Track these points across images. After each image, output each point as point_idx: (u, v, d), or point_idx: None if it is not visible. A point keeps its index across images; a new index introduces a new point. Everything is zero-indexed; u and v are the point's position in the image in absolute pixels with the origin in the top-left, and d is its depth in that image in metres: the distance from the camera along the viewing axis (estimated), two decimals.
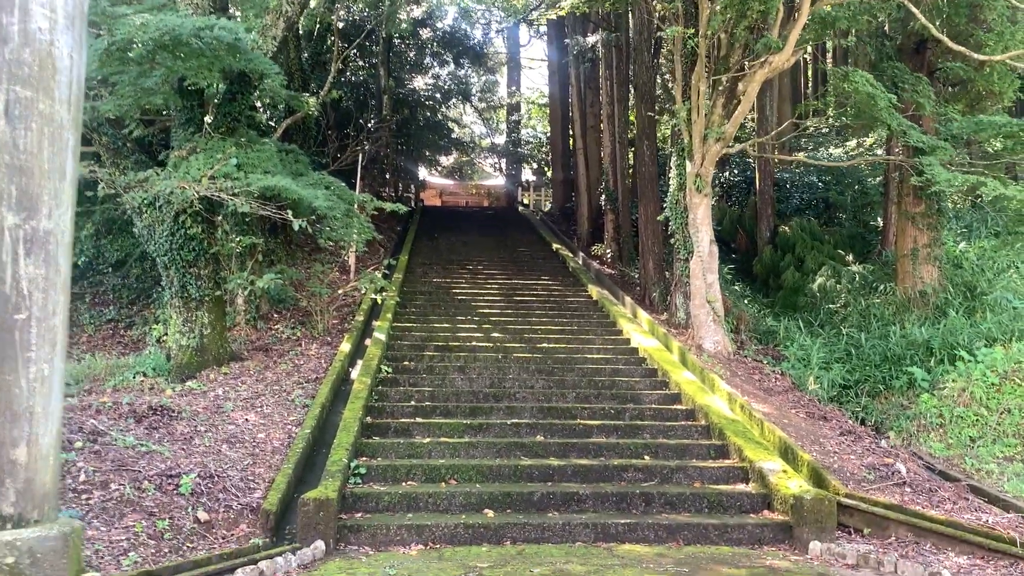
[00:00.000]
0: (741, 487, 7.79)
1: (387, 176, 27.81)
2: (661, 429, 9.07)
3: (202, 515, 6.54)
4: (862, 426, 10.22)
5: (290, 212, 9.26)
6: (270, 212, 9.11)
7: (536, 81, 45.07)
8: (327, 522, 6.50)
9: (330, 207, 10.52)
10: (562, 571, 5.95)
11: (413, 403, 9.70)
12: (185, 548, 6.11)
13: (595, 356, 11.82)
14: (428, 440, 8.50)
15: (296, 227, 8.93)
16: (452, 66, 33.45)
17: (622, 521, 6.93)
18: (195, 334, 10.86)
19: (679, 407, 9.83)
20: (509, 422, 9.04)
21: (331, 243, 13.75)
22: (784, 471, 7.62)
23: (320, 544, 6.37)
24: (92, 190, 9.55)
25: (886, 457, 8.54)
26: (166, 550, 6.00)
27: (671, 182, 13.77)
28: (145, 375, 10.45)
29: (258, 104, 13.53)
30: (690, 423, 9.33)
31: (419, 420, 9.12)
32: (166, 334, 11.02)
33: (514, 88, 39.48)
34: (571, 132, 28.09)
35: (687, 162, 12.56)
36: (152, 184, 8.70)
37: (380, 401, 9.75)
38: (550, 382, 10.61)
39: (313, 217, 10.75)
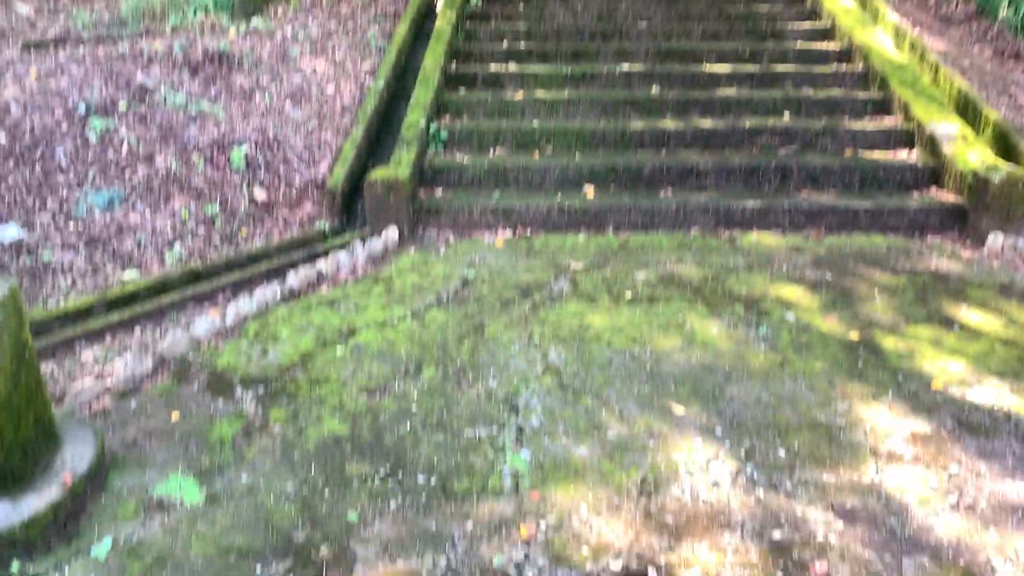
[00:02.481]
0: (904, 156, 6.31)
1: None
2: (807, 77, 7.37)
3: (259, 194, 5.73)
4: None
5: None
6: None
7: None
8: (399, 206, 5.59)
9: None
10: (671, 275, 4.95)
11: (506, 44, 8.21)
12: (239, 237, 5.39)
13: None
14: (521, 94, 7.18)
15: None
16: None
17: (750, 203, 5.73)
18: None
19: (831, 46, 7.96)
20: (618, 70, 7.52)
21: None
22: (963, 136, 6.05)
23: (392, 232, 5.54)
24: None
25: None
26: (217, 239, 5.29)
27: None
28: (207, 11, 9.21)
29: None
30: (844, 67, 7.55)
31: (512, 67, 7.71)
32: None
33: None
34: None
35: None
36: None
37: (467, 42, 8.31)
38: (671, 14, 8.77)
39: None
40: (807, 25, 8.38)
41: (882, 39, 7.67)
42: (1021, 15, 8.65)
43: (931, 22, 8.47)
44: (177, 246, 5.11)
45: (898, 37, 7.62)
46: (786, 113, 6.87)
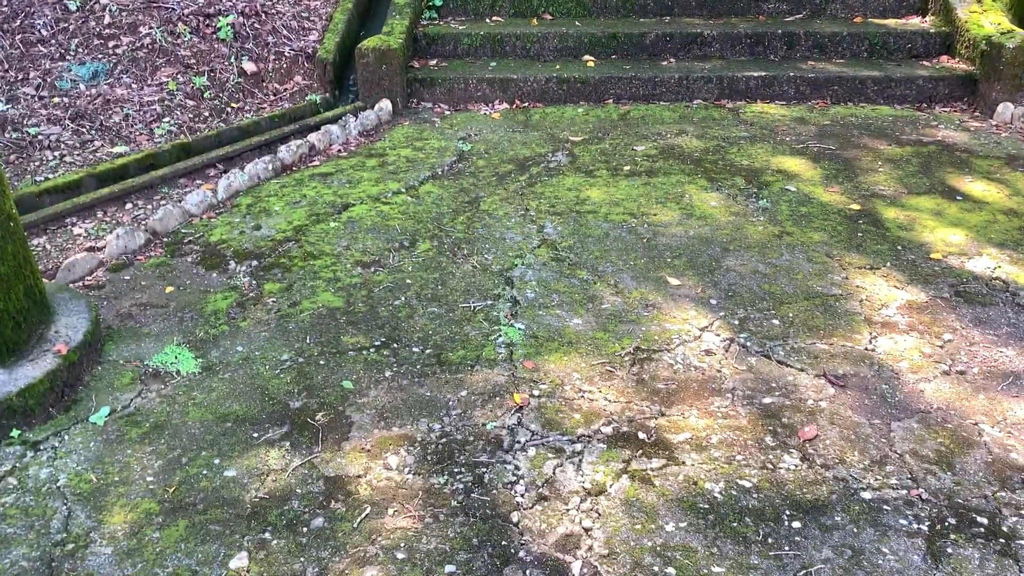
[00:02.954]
0: (916, 22, 6.07)
1: None
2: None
3: (248, 66, 5.55)
4: None
5: None
6: None
7: None
8: (392, 77, 5.42)
9: None
10: (672, 148, 4.84)
11: None
12: (229, 109, 5.25)
13: None
14: None
15: None
16: None
17: (755, 73, 5.55)
18: None
19: None
20: None
21: None
22: (978, 1, 5.79)
23: (386, 104, 5.39)
24: None
25: None
26: (206, 113, 5.16)
27: None
28: None
29: None
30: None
31: None
32: None
33: None
34: None
35: None
36: None
37: None
38: None
39: None
40: None
41: None
42: None
43: None
44: (166, 120, 4.99)
45: None
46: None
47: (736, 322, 3.20)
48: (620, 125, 5.17)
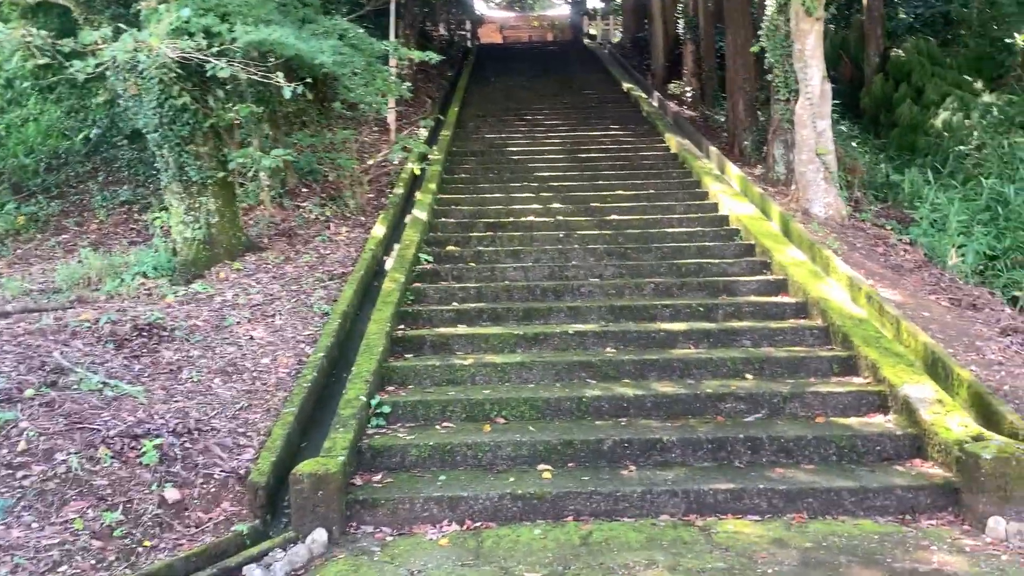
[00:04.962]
0: (879, 421, 5.90)
1: (433, 14, 24.91)
2: (765, 333, 7.12)
3: (171, 494, 5.04)
4: (1021, 313, 8.08)
5: (283, 73, 7.21)
6: (256, 75, 7.09)
7: None
8: (329, 503, 4.93)
9: (341, 62, 8.46)
10: None
11: (455, 305, 7.97)
12: (141, 549, 4.64)
13: (677, 230, 9.76)
14: (471, 359, 6.79)
15: (287, 93, 6.94)
16: None
17: (722, 485, 5.17)
18: (200, 224, 9.19)
19: (787, 299, 7.83)
20: (572, 329, 7.23)
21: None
22: (939, 401, 5.68)
23: (320, 535, 4.84)
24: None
25: None
26: (112, 556, 4.53)
27: (768, 4, 11.08)
28: (146, 276, 8.92)
29: None
30: (802, 322, 7.36)
31: (461, 329, 7.40)
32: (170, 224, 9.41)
33: None
34: None
35: None
36: (100, 50, 6.74)
37: (415, 303, 8.05)
38: (622, 268, 8.69)
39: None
40: (761, 278, 8.30)
41: (838, 292, 7.54)
42: (970, 262, 8.71)
43: (882, 271, 8.46)
44: (62, 569, 4.34)
45: (853, 289, 7.50)
46: (748, 375, 6.51)
47: None
48: (583, 555, 4.63)
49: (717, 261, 8.75)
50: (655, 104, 16.77)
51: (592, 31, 34.08)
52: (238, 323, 7.54)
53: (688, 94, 17.64)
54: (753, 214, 9.74)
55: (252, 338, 7.25)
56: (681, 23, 18.19)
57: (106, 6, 9.17)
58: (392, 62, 13.90)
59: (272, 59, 8.33)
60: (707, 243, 9.31)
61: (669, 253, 9.01)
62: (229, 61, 7.10)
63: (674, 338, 7.11)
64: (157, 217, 9.62)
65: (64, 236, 11.30)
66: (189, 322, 7.50)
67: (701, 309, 7.59)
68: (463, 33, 29.82)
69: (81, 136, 13.74)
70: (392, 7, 15.31)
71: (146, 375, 6.44)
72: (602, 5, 36.10)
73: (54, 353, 6.56)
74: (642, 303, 7.75)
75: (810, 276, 7.87)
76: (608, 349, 7.01)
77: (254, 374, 6.58)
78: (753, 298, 7.91)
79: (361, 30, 9.53)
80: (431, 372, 6.65)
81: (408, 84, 10.80)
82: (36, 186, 12.72)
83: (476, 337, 7.18)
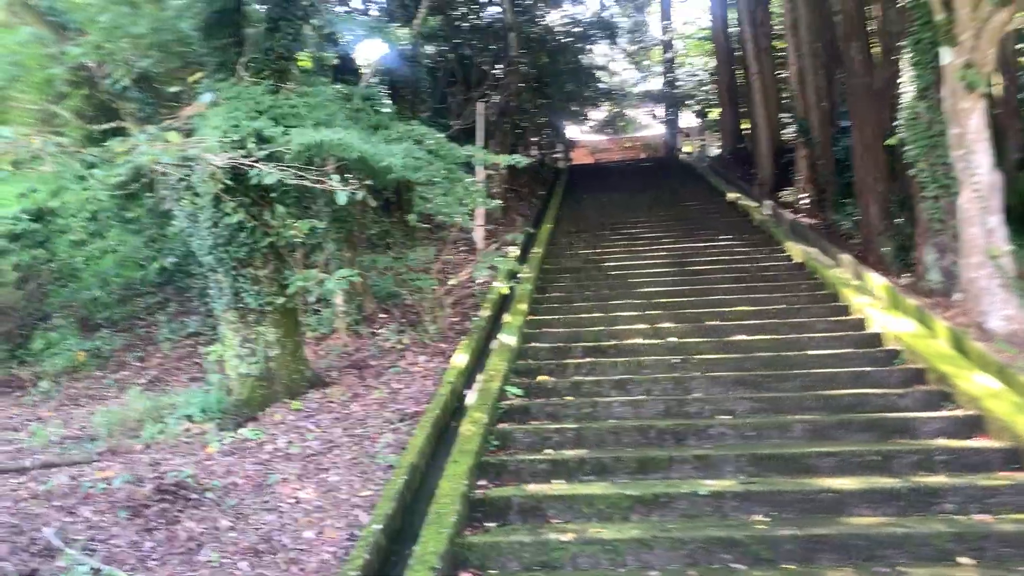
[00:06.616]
0: None
1: (524, 135, 24.34)
2: (973, 494, 5.22)
3: None
4: None
5: (343, 180, 6.06)
6: (307, 180, 5.93)
7: (690, 14, 39.98)
8: None
9: (414, 166, 7.31)
10: None
11: (549, 452, 6.35)
12: None
13: (819, 352, 7.96)
14: (571, 534, 5.12)
15: (342, 200, 5.74)
16: None
17: None
18: (257, 357, 8.00)
19: (989, 443, 5.90)
20: (703, 488, 5.49)
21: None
22: None
23: None
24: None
25: None
26: None
27: (906, 89, 9.56)
28: (191, 419, 7.70)
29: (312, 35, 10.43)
30: (1021, 477, 5.42)
31: (558, 487, 5.77)
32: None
33: (667, 23, 34.69)
34: (740, 60, 23.51)
35: (945, 51, 8.31)
36: (136, 154, 5.74)
37: (500, 451, 6.48)
38: (758, 402, 6.93)
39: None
40: (945, 414, 6.40)
41: None
42: None
43: None
44: None
45: None
46: (963, 559, 4.61)
47: None
48: None
49: (880, 391, 6.90)
50: (767, 212, 15.18)
51: (687, 149, 33.15)
52: (284, 480, 6.13)
53: (803, 201, 16.01)
54: (915, 331, 7.89)
55: (298, 501, 5.80)
56: (792, 128, 16.79)
57: (162, 117, 8.42)
58: (479, 173, 12.93)
59: (331, 165, 7.27)
60: (862, 368, 7.48)
61: (815, 382, 7.22)
62: (278, 167, 6.01)
63: (845, 501, 5.28)
64: (212, 350, 8.49)
65: (123, 373, 10.35)
66: (227, 480, 6.15)
67: (876, 458, 5.75)
68: (555, 156, 29.23)
69: (156, 265, 13.08)
70: (480, 122, 14.50)
71: (155, 557, 5.03)
72: (697, 123, 35.25)
73: (52, 524, 5.27)
74: (793, 450, 5.96)
75: (1016, 412, 5.96)
76: (756, 517, 5.23)
77: (291, 555, 5.07)
78: (942, 441, 6.01)
79: (440, 135, 8.44)
80: (519, 551, 5.01)
81: (497, 202, 9.61)
82: (103, 319, 11.97)
83: (577, 499, 5.53)
